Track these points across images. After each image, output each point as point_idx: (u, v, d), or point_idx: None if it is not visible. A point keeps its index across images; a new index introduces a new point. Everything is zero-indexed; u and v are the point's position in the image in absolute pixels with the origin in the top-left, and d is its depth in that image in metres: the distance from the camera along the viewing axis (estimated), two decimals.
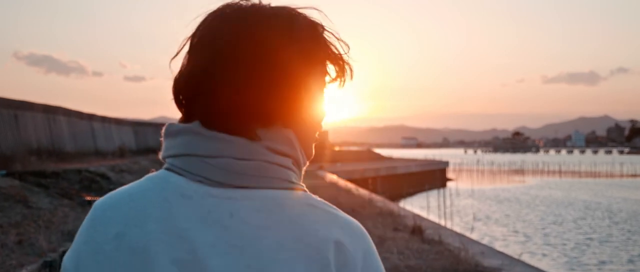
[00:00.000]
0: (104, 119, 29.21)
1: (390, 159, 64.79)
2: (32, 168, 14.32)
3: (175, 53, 0.86)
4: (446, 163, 57.71)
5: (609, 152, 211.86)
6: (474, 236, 14.74)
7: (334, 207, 0.83)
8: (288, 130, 0.83)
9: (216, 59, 0.81)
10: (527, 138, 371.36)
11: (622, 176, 61.04)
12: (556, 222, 22.99)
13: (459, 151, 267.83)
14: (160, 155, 0.86)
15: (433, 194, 31.39)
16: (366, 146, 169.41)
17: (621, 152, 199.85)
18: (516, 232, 20.52)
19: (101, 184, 13.78)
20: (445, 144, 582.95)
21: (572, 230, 20.81)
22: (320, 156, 51.75)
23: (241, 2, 0.85)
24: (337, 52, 0.87)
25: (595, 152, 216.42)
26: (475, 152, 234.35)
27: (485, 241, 16.09)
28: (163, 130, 0.85)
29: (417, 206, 26.83)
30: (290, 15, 0.84)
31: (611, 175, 62.20)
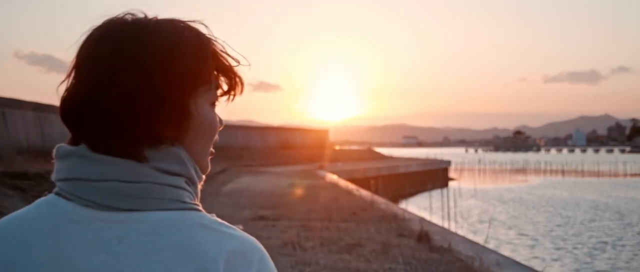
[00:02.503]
0: None
1: (391, 158, 64.10)
2: (15, 169, 13.53)
3: (65, 76, 0.84)
4: (448, 162, 56.95)
5: (611, 151, 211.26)
6: (482, 240, 13.93)
7: (228, 225, 0.82)
8: (178, 149, 0.82)
9: (100, 79, 0.79)
10: (528, 137, 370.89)
11: (625, 175, 60.42)
12: (565, 225, 22.21)
13: (460, 150, 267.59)
14: (52, 177, 0.83)
15: (435, 194, 30.68)
16: (367, 145, 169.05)
17: (623, 151, 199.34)
18: (523, 235, 19.76)
19: None
20: (446, 143, 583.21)
21: (583, 233, 20.00)
22: (320, 155, 51.34)
23: (126, 17, 0.83)
24: (227, 64, 0.87)
25: (596, 151, 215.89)
26: (476, 151, 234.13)
27: (491, 245, 15.32)
28: (54, 152, 0.83)
29: (419, 206, 26.13)
30: (175, 31, 0.83)
31: (615, 174, 61.50)
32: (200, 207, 0.83)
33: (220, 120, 0.89)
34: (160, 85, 0.79)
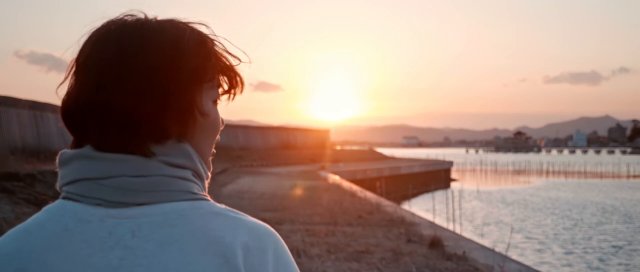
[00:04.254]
0: None
1: (393, 158, 63.57)
2: (8, 169, 13.00)
3: (63, 78, 0.84)
4: (450, 163, 56.41)
5: (612, 152, 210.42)
6: (487, 243, 13.41)
7: (240, 212, 0.83)
8: (184, 144, 0.82)
9: (103, 78, 0.78)
10: (529, 138, 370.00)
11: (628, 176, 59.82)
12: (573, 227, 21.66)
13: (461, 151, 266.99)
14: (57, 185, 0.83)
15: (438, 196, 30.13)
16: (367, 145, 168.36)
17: (624, 153, 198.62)
18: (531, 238, 19.22)
19: None
20: (446, 143, 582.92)
21: (594, 237, 19.42)
22: (321, 155, 50.82)
23: (126, 18, 0.83)
24: (227, 64, 0.87)
25: (597, 152, 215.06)
26: (477, 152, 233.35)
27: (499, 249, 14.78)
28: (57, 159, 0.82)
29: (422, 207, 25.62)
30: (177, 29, 0.83)
31: (618, 176, 60.89)
32: (210, 198, 0.83)
33: (222, 120, 0.89)
34: (166, 83, 0.78)
